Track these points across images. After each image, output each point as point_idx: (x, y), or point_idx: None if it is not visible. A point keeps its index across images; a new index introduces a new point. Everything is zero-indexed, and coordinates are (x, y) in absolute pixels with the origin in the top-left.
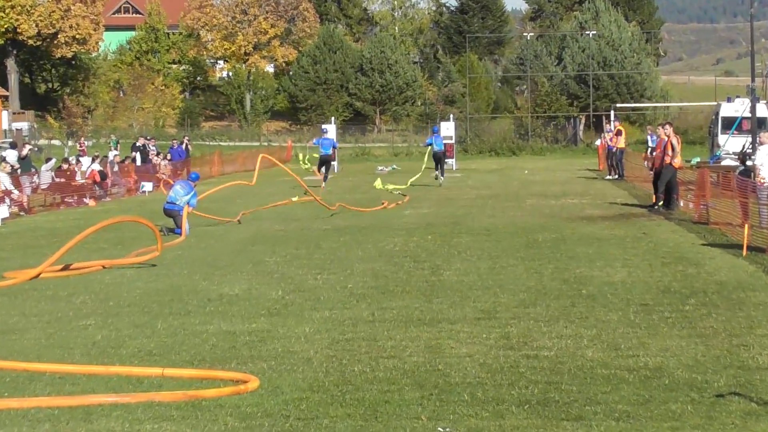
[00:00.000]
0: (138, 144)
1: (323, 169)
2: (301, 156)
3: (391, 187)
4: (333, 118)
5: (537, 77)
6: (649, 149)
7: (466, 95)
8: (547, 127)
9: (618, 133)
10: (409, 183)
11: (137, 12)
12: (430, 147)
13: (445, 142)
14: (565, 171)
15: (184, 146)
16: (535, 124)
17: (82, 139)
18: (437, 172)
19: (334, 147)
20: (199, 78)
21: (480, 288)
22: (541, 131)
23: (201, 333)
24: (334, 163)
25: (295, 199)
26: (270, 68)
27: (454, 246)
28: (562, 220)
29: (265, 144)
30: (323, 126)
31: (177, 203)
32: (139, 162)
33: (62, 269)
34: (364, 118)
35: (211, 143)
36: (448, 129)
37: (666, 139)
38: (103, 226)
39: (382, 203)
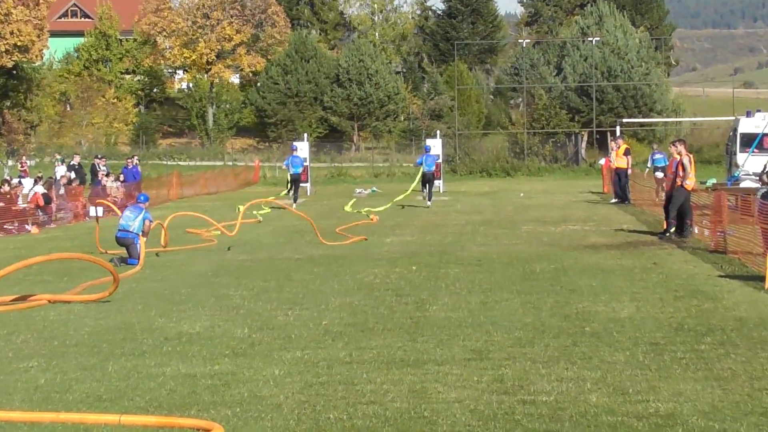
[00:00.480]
0: (74, 163)
1: (292, 189)
2: (241, 208)
3: (365, 210)
4: (306, 135)
5: (534, 89)
6: (648, 170)
7: (455, 109)
8: (546, 145)
9: (626, 152)
10: (394, 201)
11: (86, 16)
12: (420, 167)
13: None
14: (566, 194)
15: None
16: (532, 142)
17: (24, 158)
18: (425, 193)
19: (302, 166)
20: (155, 90)
21: (470, 325)
22: (539, 149)
23: (157, 376)
24: (307, 185)
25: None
26: (235, 79)
27: (441, 278)
28: (563, 249)
29: (230, 164)
30: (294, 143)
31: (130, 230)
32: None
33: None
34: (340, 135)
35: (168, 163)
36: (434, 147)
37: (678, 158)
38: (33, 263)
39: (370, 218)
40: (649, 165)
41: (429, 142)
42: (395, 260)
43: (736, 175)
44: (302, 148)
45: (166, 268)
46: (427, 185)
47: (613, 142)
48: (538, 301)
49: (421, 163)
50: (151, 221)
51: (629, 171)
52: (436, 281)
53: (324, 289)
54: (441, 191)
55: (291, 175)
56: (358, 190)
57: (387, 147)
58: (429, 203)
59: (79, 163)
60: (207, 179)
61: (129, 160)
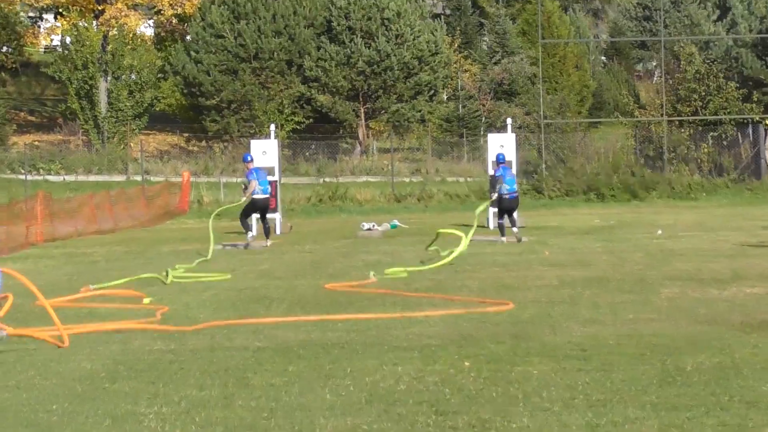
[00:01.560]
0: None
1: (253, 220)
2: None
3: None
4: (272, 127)
5: (677, 44)
6: None
7: (538, 80)
8: (701, 144)
9: None
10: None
11: None
12: (496, 190)
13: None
14: (738, 230)
15: None
16: (677, 138)
17: None
18: (513, 228)
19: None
20: (6, 50)
21: None
22: (689, 151)
23: None
24: (277, 216)
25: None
26: (147, 29)
27: (516, 382)
28: (733, 329)
29: (137, 179)
30: (251, 148)
31: None
32: None
33: None
34: (334, 128)
35: (29, 177)
36: (502, 147)
37: None
38: None
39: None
40: None
41: (490, 138)
42: (434, 350)
43: None
44: (267, 151)
45: (25, 366)
46: (507, 215)
47: None
48: (691, 424)
49: (495, 180)
50: None
51: None
52: (508, 387)
53: (307, 403)
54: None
55: (256, 200)
56: (366, 225)
57: (418, 148)
58: (519, 236)
59: None
60: (98, 207)
61: None
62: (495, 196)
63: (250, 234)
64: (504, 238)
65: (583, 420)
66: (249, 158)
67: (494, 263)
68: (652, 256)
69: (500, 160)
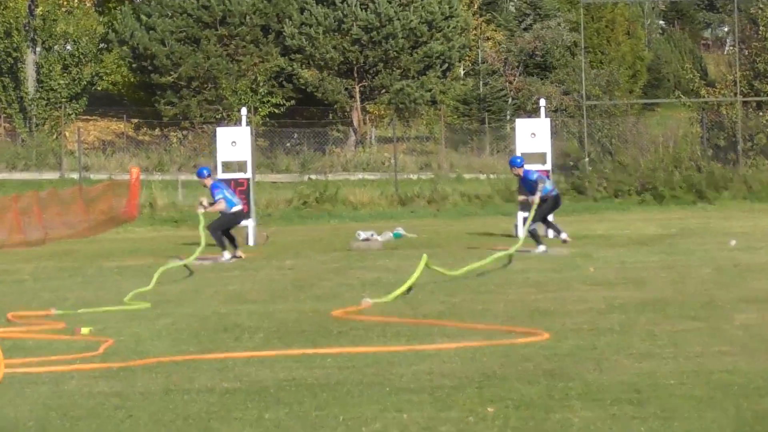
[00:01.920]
0: None
1: (223, 237)
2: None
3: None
4: (244, 111)
5: (754, 5)
6: None
7: (579, 51)
8: None
9: None
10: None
11: None
12: (539, 191)
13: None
14: None
15: None
16: (754, 124)
17: None
18: (556, 235)
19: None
20: None
21: None
22: None
23: None
24: (250, 224)
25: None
26: None
27: (552, 431)
28: None
29: (74, 177)
30: (216, 137)
31: None
32: None
33: None
34: (322, 111)
35: None
36: (534, 135)
37: None
38: None
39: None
40: None
41: (518, 125)
42: (449, 393)
43: None
44: (237, 141)
45: None
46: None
47: None
48: None
49: (536, 180)
50: None
51: None
52: None
53: None
54: (549, 235)
55: (232, 212)
56: (362, 235)
57: (428, 137)
58: (564, 236)
59: None
60: (23, 212)
61: None
62: (537, 198)
63: (226, 253)
64: (543, 247)
65: None
66: (206, 173)
67: (525, 282)
68: (723, 273)
69: (519, 164)
